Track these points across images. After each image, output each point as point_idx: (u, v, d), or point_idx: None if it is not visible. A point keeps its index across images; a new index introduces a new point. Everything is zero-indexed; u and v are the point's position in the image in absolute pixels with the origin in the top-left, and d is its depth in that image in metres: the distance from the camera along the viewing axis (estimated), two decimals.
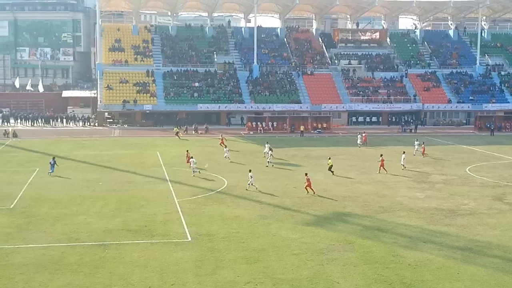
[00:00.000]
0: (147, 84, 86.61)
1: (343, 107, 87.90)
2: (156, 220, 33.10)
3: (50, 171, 46.54)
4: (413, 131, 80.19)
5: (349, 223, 32.80)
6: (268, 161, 51.42)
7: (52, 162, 47.06)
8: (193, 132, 74.74)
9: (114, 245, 28.62)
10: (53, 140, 66.74)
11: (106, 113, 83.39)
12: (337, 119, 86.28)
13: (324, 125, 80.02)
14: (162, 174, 47.16)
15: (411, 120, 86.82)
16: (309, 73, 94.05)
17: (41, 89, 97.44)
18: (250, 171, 42.34)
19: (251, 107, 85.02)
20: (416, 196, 39.94)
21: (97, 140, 66.93)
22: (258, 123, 78.43)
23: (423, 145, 57.69)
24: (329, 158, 49.41)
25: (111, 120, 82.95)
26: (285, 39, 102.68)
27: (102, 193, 40.11)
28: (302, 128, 75.69)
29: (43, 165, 49.94)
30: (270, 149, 52.87)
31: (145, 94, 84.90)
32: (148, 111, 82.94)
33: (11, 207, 35.97)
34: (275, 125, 78.88)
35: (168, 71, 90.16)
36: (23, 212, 34.64)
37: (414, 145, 58.59)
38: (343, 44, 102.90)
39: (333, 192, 41.04)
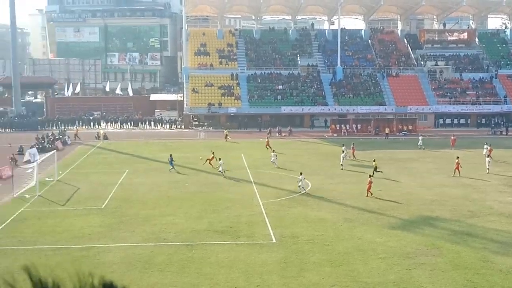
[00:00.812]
0: (232, 87, 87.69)
1: (430, 109, 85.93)
2: (241, 222, 33.48)
3: (171, 167, 49.34)
4: (504, 133, 77.41)
5: (437, 228, 32.06)
6: (341, 164, 50.99)
7: (170, 159, 49.79)
8: (277, 134, 75.02)
9: (200, 245, 29.15)
10: (141, 142, 68.65)
11: (192, 116, 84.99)
12: (423, 121, 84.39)
13: (410, 127, 78.49)
14: (246, 176, 47.62)
15: (502, 122, 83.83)
16: (394, 74, 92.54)
17: (130, 92, 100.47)
18: (301, 173, 42.24)
19: (335, 109, 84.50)
20: (508, 200, 38.57)
21: (183, 142, 68.30)
22: (342, 125, 77.85)
23: (490, 147, 55.30)
24: (374, 160, 48.45)
25: (197, 122, 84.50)
26: (369, 41, 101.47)
27: (189, 194, 40.93)
28: (387, 130, 74.52)
29: (132, 167, 51.52)
30: (343, 151, 52.45)
31: (229, 97, 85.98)
32: (232, 114, 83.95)
33: (102, 207, 37.28)
34: (359, 127, 78.06)
35: (252, 74, 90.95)
36: (114, 212, 35.82)
37: (483, 148, 56.31)
38: (430, 45, 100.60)
39: (419, 195, 40.25)
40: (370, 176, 41.47)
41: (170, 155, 51.23)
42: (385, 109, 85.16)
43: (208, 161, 51.36)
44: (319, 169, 50.66)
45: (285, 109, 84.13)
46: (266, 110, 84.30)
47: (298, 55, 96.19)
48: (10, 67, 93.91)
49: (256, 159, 56.64)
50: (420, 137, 64.50)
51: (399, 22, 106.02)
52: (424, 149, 62.08)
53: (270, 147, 59.07)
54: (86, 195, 40.76)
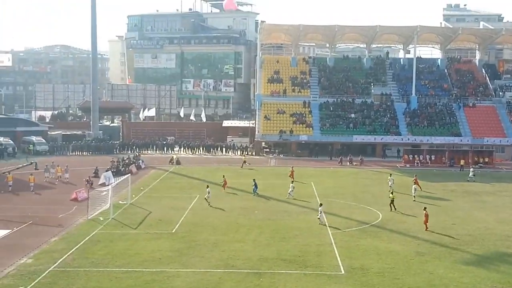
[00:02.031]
0: (304, 115, 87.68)
1: (507, 141, 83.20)
2: (309, 251, 33.20)
3: (254, 189, 50.99)
4: None
5: None
6: (414, 195, 49.96)
7: (254, 183, 51.28)
8: (348, 163, 74.33)
9: (268, 273, 29.05)
10: (213, 167, 69.35)
11: (263, 143, 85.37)
12: (500, 153, 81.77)
13: (486, 159, 76.16)
14: (316, 205, 47.26)
15: None
16: (470, 105, 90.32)
17: (203, 118, 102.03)
18: (320, 205, 41.53)
19: (408, 139, 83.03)
20: None
21: (254, 169, 68.57)
22: (415, 155, 76.36)
23: None
24: (391, 192, 46.92)
25: (268, 149, 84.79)
26: (446, 70, 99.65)
27: (258, 222, 40.97)
28: (462, 162, 72.55)
29: (203, 192, 51.95)
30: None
31: (301, 125, 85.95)
32: (303, 142, 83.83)
33: (173, 231, 37.77)
34: (433, 158, 76.33)
35: (324, 102, 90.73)
36: (184, 237, 36.22)
37: None
38: (509, 75, 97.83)
39: (495, 230, 38.90)
40: (424, 208, 40.26)
41: (254, 179, 51.94)
42: (461, 140, 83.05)
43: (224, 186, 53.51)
44: (389, 200, 49.66)
45: (357, 138, 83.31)
46: (338, 139, 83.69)
47: (371, 84, 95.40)
48: (90, 92, 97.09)
49: (326, 187, 56.23)
50: (471, 169, 63.42)
51: (477, 51, 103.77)
52: (474, 181, 60.51)
53: (293, 177, 58.24)
54: (157, 219, 41.42)
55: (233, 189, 54.28)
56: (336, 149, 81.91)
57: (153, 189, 54.74)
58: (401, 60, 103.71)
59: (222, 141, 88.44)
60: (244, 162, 71.34)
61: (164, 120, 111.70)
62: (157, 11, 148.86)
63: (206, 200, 47.04)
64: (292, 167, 63.20)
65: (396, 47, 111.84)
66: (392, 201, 45.26)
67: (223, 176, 55.77)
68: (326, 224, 39.91)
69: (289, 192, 50.65)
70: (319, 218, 40.54)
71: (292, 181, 54.34)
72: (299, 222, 40.58)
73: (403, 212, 44.40)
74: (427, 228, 38.58)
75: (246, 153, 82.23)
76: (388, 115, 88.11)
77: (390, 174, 56.88)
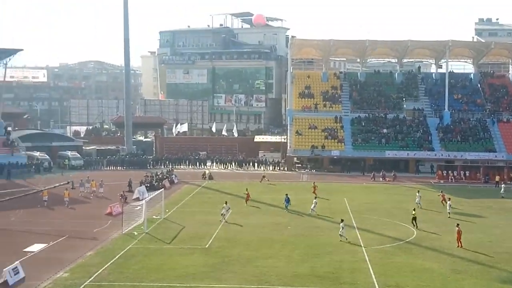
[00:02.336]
0: (335, 130, 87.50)
1: None
2: (343, 268, 33.05)
3: (286, 205, 50.93)
4: None
5: None
6: (448, 212, 49.43)
7: (286, 198, 51.22)
8: (381, 179, 73.87)
9: None
10: (245, 183, 69.44)
11: (295, 158, 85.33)
12: None
13: None
14: (349, 220, 47.03)
15: None
16: (505, 120, 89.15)
17: (235, 134, 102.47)
18: (342, 221, 40.97)
19: (442, 154, 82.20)
20: None
21: (286, 184, 68.51)
22: (449, 171, 75.55)
23: None
24: (414, 210, 46.19)
25: (300, 165, 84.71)
26: (479, 85, 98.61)
27: (291, 237, 40.93)
28: (497, 178, 71.46)
29: (236, 207, 52.18)
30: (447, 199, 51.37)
31: (333, 140, 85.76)
32: (335, 157, 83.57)
33: (206, 246, 37.94)
34: (467, 174, 75.38)
35: (356, 117, 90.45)
36: (217, 252, 36.36)
37: None
38: None
39: None
40: (457, 225, 39.79)
41: (286, 194, 51.92)
42: (495, 156, 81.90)
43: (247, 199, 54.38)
44: (425, 216, 49.20)
45: (390, 153, 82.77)
46: (370, 154, 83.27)
47: (403, 99, 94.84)
48: (123, 107, 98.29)
49: (359, 203, 55.93)
50: (503, 185, 63.01)
51: (510, 66, 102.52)
52: (503, 197, 59.72)
53: (315, 193, 57.69)
54: (191, 234, 41.65)
55: (266, 204, 54.34)
56: (368, 164, 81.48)
57: (186, 204, 55.08)
58: (433, 74, 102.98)
59: (254, 156, 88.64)
60: (263, 177, 71.31)
61: (196, 135, 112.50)
62: (189, 27, 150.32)
63: (223, 216, 46.54)
64: (314, 182, 63.02)
65: (427, 61, 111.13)
66: (414, 218, 44.62)
67: (246, 189, 56.67)
68: (348, 240, 39.48)
69: (312, 208, 50.26)
70: (341, 235, 40.08)
71: (316, 197, 53.88)
72: (332, 239, 40.38)
73: (436, 229, 43.91)
74: (460, 245, 38.13)
75: (265, 168, 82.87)
76: (421, 130, 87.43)
77: (418, 191, 56.38)
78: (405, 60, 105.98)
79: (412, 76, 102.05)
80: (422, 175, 78.95)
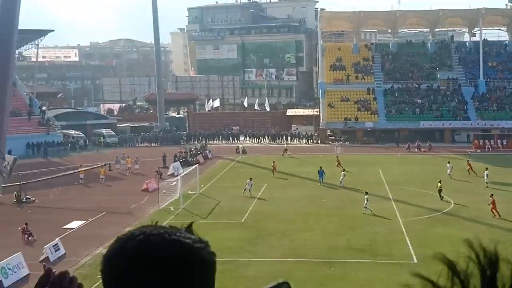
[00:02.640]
0: (368, 102, 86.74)
1: None
2: (380, 240, 32.95)
3: (320, 178, 50.14)
4: None
5: None
6: (486, 182, 48.57)
7: (321, 171, 50.38)
8: (416, 149, 73.17)
9: (339, 263, 29.01)
10: (278, 156, 69.35)
11: (328, 131, 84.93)
12: None
13: None
14: (385, 192, 46.80)
15: None
16: None
17: (267, 108, 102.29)
18: (366, 193, 40.58)
19: (478, 124, 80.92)
20: None
21: (320, 157, 68.27)
22: (486, 140, 74.47)
23: None
24: (439, 181, 45.01)
25: (333, 137, 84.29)
26: None
27: (326, 210, 40.90)
28: None
29: (270, 181, 52.28)
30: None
31: (366, 112, 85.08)
32: (369, 129, 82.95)
33: (242, 221, 38.15)
34: (504, 143, 74.27)
35: (389, 88, 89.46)
36: (253, 226, 36.53)
37: None
38: None
39: None
40: (491, 195, 39.11)
41: (320, 167, 51.60)
42: None
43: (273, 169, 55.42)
44: (462, 186, 48.72)
45: (424, 124, 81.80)
46: (404, 125, 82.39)
47: (437, 68, 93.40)
48: (155, 84, 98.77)
49: (394, 175, 55.51)
50: None
51: None
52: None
53: (340, 166, 56.99)
54: (226, 208, 41.89)
55: (301, 178, 54.32)
56: (403, 135, 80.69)
57: (220, 179, 55.34)
58: (467, 43, 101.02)
59: (287, 130, 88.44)
60: (286, 150, 70.85)
61: (228, 110, 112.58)
62: (217, 2, 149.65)
63: (246, 191, 46.19)
64: (337, 155, 62.38)
65: (461, 30, 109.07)
66: (440, 190, 43.94)
67: (273, 162, 57.12)
68: (372, 212, 39.20)
69: (340, 180, 49.88)
70: (365, 207, 39.63)
71: (343, 169, 53.31)
72: (368, 210, 40.21)
73: (475, 199, 43.43)
74: (495, 215, 37.64)
75: (287, 141, 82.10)
76: (456, 100, 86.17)
77: (449, 161, 55.28)
78: (437, 30, 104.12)
79: (445, 45, 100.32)
80: (458, 144, 77.91)
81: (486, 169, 50.69)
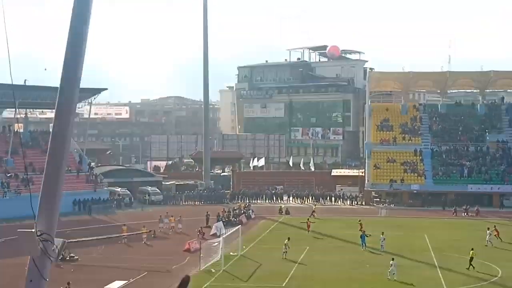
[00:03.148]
0: (415, 163, 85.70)
1: None
2: None
3: (363, 243, 49.04)
4: None
5: None
6: None
7: (363, 236, 49.61)
8: (463, 214, 71.55)
9: None
10: (322, 218, 68.69)
11: (373, 192, 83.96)
12: None
13: None
14: (430, 259, 45.69)
15: None
16: None
17: (312, 167, 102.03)
18: (392, 259, 39.41)
19: None
20: None
21: (364, 220, 67.20)
22: None
23: None
24: (472, 249, 43.10)
25: (378, 199, 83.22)
26: None
27: (370, 276, 40.08)
28: None
29: (313, 244, 51.69)
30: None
31: (412, 174, 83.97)
32: (415, 191, 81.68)
33: (283, 285, 37.64)
34: None
35: (436, 150, 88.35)
36: None
37: None
38: None
39: None
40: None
41: (364, 232, 50.67)
42: None
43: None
44: (510, 254, 47.21)
45: (472, 187, 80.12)
46: (451, 188, 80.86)
47: (486, 131, 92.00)
48: (202, 142, 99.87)
49: (440, 240, 54.22)
50: None
51: None
52: None
53: (363, 230, 54.36)
54: (268, 271, 41.47)
55: (344, 241, 53.57)
56: (450, 199, 79.13)
57: (262, 240, 54.97)
58: None
59: (331, 190, 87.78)
60: (314, 211, 69.38)
61: (273, 169, 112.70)
62: (266, 61, 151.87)
63: (284, 253, 45.61)
64: (360, 220, 59.50)
65: (511, 91, 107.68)
66: (471, 259, 42.22)
67: (308, 219, 58.49)
68: (395, 279, 38.41)
69: (381, 244, 48.52)
70: (390, 272, 38.77)
71: (382, 233, 50.93)
72: (413, 278, 39.25)
73: None
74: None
75: (315, 201, 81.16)
76: (505, 163, 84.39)
77: (488, 228, 53.12)
78: (487, 90, 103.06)
79: (495, 106, 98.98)
80: (506, 209, 75.88)
81: (496, 235, 49.25)
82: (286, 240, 46.77)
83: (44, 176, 6.87)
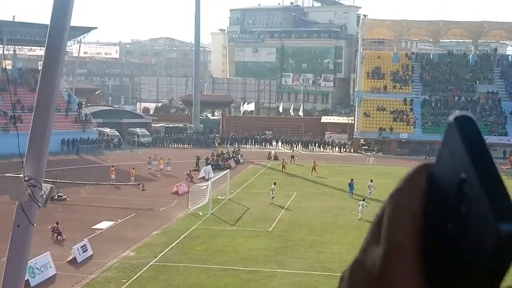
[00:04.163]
0: (404, 112, 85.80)
1: None
2: None
3: (350, 190, 49.35)
4: None
5: None
6: None
7: (352, 184, 49.58)
8: None
9: None
10: (310, 164, 68.98)
11: (362, 140, 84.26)
12: None
13: None
14: None
15: None
16: None
17: (301, 113, 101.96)
18: (363, 200, 41.65)
19: None
20: None
21: (352, 167, 67.75)
22: None
23: None
24: None
25: (366, 147, 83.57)
26: None
27: (356, 223, 40.46)
28: None
29: (300, 190, 52.05)
30: None
31: (401, 122, 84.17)
32: (404, 140, 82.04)
33: (270, 230, 38.02)
34: None
35: (426, 99, 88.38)
36: (280, 236, 36.39)
37: None
38: None
39: None
40: None
41: (352, 179, 50.83)
42: None
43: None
44: None
45: None
46: (440, 138, 78.96)
47: (477, 81, 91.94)
48: (192, 85, 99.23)
49: None
50: None
51: None
52: None
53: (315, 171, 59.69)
54: (255, 216, 41.81)
55: (332, 188, 53.97)
56: (436, 148, 79.51)
57: (250, 185, 55.24)
58: (510, 56, 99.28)
59: (320, 137, 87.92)
60: (292, 157, 69.37)
61: (263, 114, 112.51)
62: (259, 5, 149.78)
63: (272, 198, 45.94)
64: (314, 161, 62.41)
65: (504, 43, 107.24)
66: None
67: (283, 159, 61.59)
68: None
69: (369, 192, 48.35)
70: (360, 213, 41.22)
71: (371, 180, 51.18)
72: None
73: None
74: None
75: (294, 147, 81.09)
76: (494, 114, 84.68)
77: None
78: (480, 41, 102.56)
79: (487, 57, 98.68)
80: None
81: None
82: (273, 185, 46.97)
83: (33, 119, 6.70)
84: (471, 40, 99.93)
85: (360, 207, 41.61)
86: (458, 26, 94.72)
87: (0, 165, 35.18)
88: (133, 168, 54.91)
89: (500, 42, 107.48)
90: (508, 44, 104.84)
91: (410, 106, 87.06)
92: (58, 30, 7.01)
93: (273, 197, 45.96)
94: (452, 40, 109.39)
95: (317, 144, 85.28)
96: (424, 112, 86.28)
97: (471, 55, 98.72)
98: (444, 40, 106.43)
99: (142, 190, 46.73)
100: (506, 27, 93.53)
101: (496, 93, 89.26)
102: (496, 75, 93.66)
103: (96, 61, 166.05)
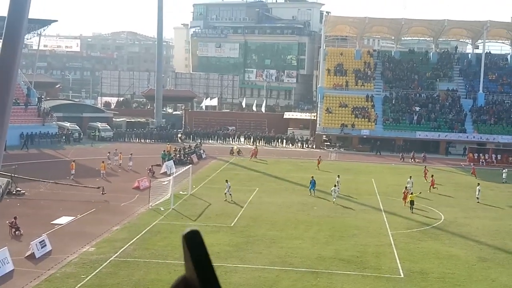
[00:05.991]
0: (366, 109, 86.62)
1: None
2: (368, 252, 32.84)
3: (311, 188, 48.97)
4: None
5: None
6: (477, 197, 48.16)
7: (312, 181, 49.25)
8: (410, 160, 73.11)
9: (325, 273, 28.90)
10: (272, 160, 69.31)
11: (324, 136, 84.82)
12: None
13: None
14: (376, 203, 46.72)
15: None
16: None
17: (264, 109, 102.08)
18: (338, 176, 41.05)
19: (474, 137, 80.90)
20: None
21: (314, 163, 68.06)
22: (481, 154, 74.43)
23: None
24: (411, 193, 45.35)
25: (329, 143, 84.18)
26: None
27: (317, 218, 40.75)
28: None
29: (263, 185, 52.17)
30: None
31: (363, 119, 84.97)
32: (365, 136, 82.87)
33: (231, 225, 37.99)
34: (499, 158, 74.25)
35: (388, 96, 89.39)
36: (242, 231, 36.38)
37: None
38: None
39: None
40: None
41: (312, 177, 50.77)
42: None
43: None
44: (453, 200, 48.71)
45: (420, 134, 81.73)
46: (400, 134, 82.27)
47: (437, 79, 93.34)
48: (154, 80, 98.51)
49: (387, 185, 55.40)
50: (504, 170, 60.80)
51: None
52: (506, 182, 58.24)
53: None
54: (216, 211, 41.73)
55: (293, 183, 54.19)
56: (398, 144, 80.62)
57: (213, 180, 55.10)
58: (469, 55, 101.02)
59: (283, 133, 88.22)
60: (238, 151, 71.37)
61: (226, 109, 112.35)
62: (222, 0, 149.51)
63: (226, 195, 45.63)
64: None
65: (464, 41, 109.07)
66: (412, 202, 43.63)
67: (256, 146, 62.01)
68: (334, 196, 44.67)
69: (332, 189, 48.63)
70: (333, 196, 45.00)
71: (338, 176, 52.40)
72: (358, 221, 40.16)
73: (465, 214, 43.37)
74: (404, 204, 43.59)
75: (236, 141, 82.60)
76: (454, 112, 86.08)
77: (410, 176, 53.42)
78: (441, 39, 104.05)
79: (448, 55, 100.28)
80: (452, 157, 77.90)
81: (478, 184, 50.48)
82: (226, 182, 46.58)
83: None
84: (432, 38, 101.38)
85: (333, 193, 45.25)
86: (419, 24, 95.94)
87: None
88: (103, 162, 54.44)
89: (460, 40, 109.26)
90: (468, 43, 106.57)
91: (372, 103, 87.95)
92: (16, 22, 6.85)
93: (230, 194, 45.59)
94: (414, 38, 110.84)
95: (279, 140, 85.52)
96: (385, 108, 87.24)
97: (431, 53, 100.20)
98: (405, 38, 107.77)
99: (102, 193, 45.66)
100: (466, 26, 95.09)
101: (455, 90, 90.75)
102: (456, 73, 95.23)
103: (56, 54, 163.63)
